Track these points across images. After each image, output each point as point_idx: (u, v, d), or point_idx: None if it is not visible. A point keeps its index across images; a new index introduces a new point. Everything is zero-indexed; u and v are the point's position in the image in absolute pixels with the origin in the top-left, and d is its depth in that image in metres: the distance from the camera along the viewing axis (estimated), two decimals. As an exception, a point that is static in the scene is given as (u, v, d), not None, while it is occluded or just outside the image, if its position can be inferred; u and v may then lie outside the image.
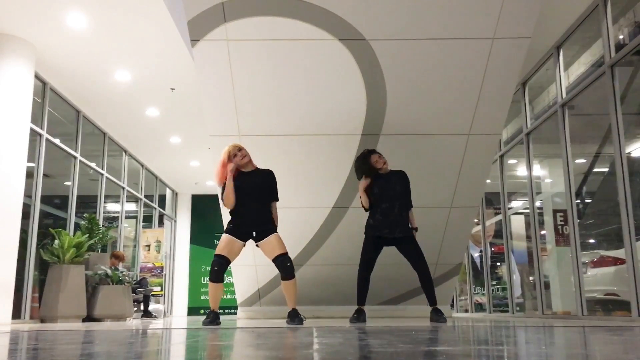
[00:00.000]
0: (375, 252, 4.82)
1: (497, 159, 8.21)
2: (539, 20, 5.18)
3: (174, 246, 14.79)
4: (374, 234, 4.79)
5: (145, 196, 12.23)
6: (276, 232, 4.45)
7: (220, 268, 4.35)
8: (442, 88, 5.31)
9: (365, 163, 4.91)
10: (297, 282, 4.46)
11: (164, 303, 13.15)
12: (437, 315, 4.62)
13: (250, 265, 6.45)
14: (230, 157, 4.47)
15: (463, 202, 6.15)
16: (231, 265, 6.70)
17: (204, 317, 4.49)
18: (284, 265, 4.35)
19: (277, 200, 4.58)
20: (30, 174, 7.28)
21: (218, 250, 4.38)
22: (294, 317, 4.35)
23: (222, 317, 4.89)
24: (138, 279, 10.46)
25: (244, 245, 4.48)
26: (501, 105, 5.46)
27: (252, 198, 4.43)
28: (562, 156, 6.28)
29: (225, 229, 4.51)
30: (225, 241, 4.39)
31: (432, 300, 4.73)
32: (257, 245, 4.51)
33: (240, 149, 4.52)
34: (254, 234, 4.45)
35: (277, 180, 4.58)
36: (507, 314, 8.29)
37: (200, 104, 5.68)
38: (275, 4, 4.76)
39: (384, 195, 4.80)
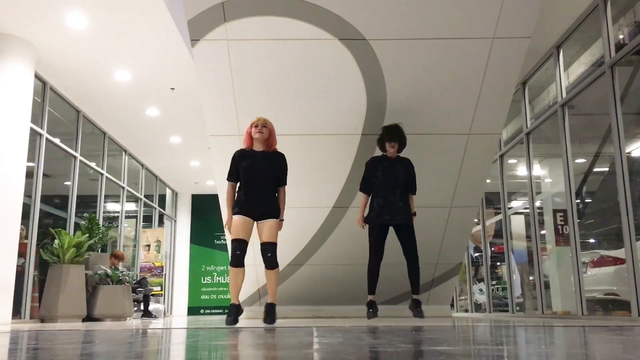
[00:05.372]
0: (381, 237, 4.90)
1: (497, 159, 8.21)
2: (539, 20, 5.18)
3: (174, 246, 14.79)
4: (376, 221, 4.87)
5: (145, 196, 12.23)
6: (277, 218, 4.36)
7: (242, 252, 4.25)
8: (442, 88, 5.31)
9: (383, 140, 5.04)
10: (279, 274, 4.38)
11: (164, 303, 13.15)
12: (414, 305, 4.81)
13: (250, 265, 6.44)
14: (251, 125, 4.46)
15: (463, 202, 6.15)
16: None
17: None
18: (265, 254, 4.27)
19: (284, 184, 4.49)
20: (30, 174, 7.28)
21: (235, 235, 4.28)
22: (269, 312, 4.24)
23: (221, 317, 4.86)
24: (138, 279, 10.46)
25: (254, 223, 4.39)
26: (501, 105, 5.45)
27: (255, 179, 4.37)
28: (562, 156, 6.28)
29: (234, 210, 4.40)
30: (238, 223, 4.30)
31: (415, 289, 4.86)
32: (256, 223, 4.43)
33: (264, 124, 4.45)
34: (254, 214, 4.37)
35: (287, 165, 4.50)
36: (507, 314, 8.29)
37: (200, 104, 5.67)
38: (275, 4, 4.76)
39: (386, 180, 4.91)
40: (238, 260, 4.26)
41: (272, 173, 4.41)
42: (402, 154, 5.12)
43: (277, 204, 4.43)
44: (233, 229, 4.32)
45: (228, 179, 4.50)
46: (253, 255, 6.20)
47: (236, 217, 4.34)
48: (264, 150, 4.47)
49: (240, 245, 4.27)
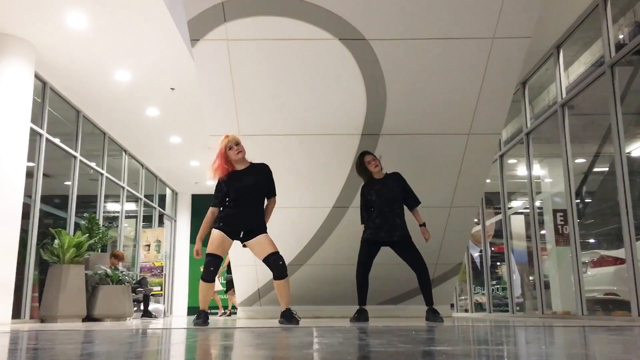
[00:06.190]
0: (371, 254, 4.86)
1: (497, 159, 8.21)
2: (539, 20, 5.18)
3: (174, 246, 14.79)
4: (372, 238, 4.81)
5: (145, 196, 12.22)
6: (266, 232, 4.37)
7: (215, 268, 4.30)
8: (442, 88, 5.31)
9: (362, 163, 5.01)
10: (289, 281, 4.37)
11: (164, 303, 13.14)
12: (433, 315, 4.67)
13: (250, 265, 6.45)
14: (226, 149, 4.38)
15: (463, 202, 6.15)
16: (231, 265, 6.74)
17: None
18: (277, 264, 4.25)
19: (275, 194, 4.50)
20: (30, 174, 7.28)
21: (212, 250, 4.28)
22: (290, 317, 4.23)
23: (225, 317, 4.88)
24: (138, 279, 10.45)
25: (232, 242, 4.41)
26: (501, 105, 5.45)
27: (246, 198, 4.34)
28: (562, 156, 6.28)
29: (216, 225, 4.37)
30: (218, 239, 4.29)
31: (429, 301, 4.77)
32: (243, 246, 4.42)
33: (237, 142, 4.41)
34: (242, 233, 4.36)
35: (273, 176, 4.50)
36: (507, 314, 8.29)
37: (200, 104, 5.67)
38: (275, 4, 4.76)
39: (382, 199, 4.84)
40: (212, 276, 4.31)
41: (261, 187, 4.41)
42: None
43: (263, 218, 4.42)
44: (212, 243, 4.30)
45: (214, 205, 4.43)
46: (253, 255, 6.18)
47: (217, 233, 4.31)
48: (249, 165, 4.46)
49: (215, 261, 4.29)
